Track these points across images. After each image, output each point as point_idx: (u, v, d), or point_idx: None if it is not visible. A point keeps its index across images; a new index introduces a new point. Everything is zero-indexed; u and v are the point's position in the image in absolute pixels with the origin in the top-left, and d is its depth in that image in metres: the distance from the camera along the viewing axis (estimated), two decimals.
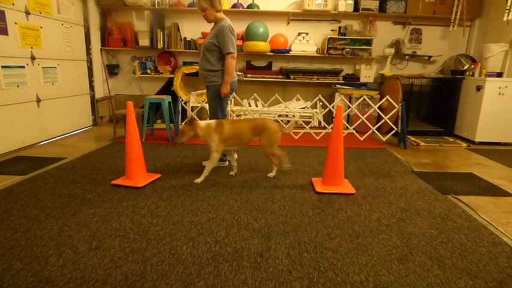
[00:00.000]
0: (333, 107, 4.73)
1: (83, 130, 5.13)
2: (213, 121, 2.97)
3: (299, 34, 5.59)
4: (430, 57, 5.67)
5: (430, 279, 1.67)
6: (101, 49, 5.58)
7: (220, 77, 3.09)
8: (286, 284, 1.61)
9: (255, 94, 5.09)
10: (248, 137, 2.99)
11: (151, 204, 2.49)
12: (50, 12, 4.36)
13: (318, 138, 4.63)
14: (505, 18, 4.53)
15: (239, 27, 5.44)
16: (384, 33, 5.62)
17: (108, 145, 4.20)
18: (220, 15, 3.06)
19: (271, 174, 3.15)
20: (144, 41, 5.41)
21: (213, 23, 3.12)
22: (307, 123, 5.12)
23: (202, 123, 2.95)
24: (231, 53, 3.00)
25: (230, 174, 3.18)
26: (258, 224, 2.21)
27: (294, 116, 5.28)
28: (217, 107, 3.19)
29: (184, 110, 4.99)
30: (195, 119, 2.91)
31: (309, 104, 4.96)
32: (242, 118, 2.98)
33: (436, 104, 5.42)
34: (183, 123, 2.93)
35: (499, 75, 4.70)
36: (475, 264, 1.80)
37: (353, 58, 5.65)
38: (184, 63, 5.53)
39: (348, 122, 5.22)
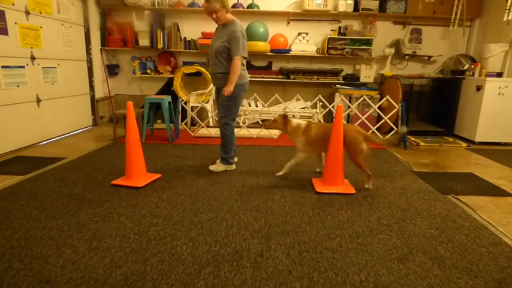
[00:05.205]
0: (333, 107, 4.73)
1: (83, 130, 5.13)
2: (303, 122, 3.02)
3: (299, 34, 5.59)
4: (430, 57, 5.67)
5: (430, 279, 1.67)
6: (101, 49, 5.58)
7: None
8: (286, 284, 1.61)
9: (255, 94, 5.09)
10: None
11: (151, 204, 2.49)
12: (50, 12, 4.35)
13: None
14: (505, 18, 4.53)
15: None
16: (384, 33, 5.61)
17: (108, 145, 4.20)
18: (230, 16, 2.99)
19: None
20: (144, 41, 5.41)
21: (217, 24, 3.04)
22: None
23: (294, 121, 3.03)
24: (241, 56, 2.93)
25: (316, 171, 3.32)
26: (258, 224, 2.21)
27: (294, 116, 5.28)
28: (231, 107, 3.08)
29: (184, 110, 5.00)
30: (287, 115, 2.96)
31: (309, 104, 4.96)
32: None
33: (436, 104, 5.42)
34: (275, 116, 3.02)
35: (499, 75, 4.70)
36: (475, 264, 1.80)
37: (353, 58, 5.65)
38: (184, 63, 5.53)
39: (348, 122, 5.22)
